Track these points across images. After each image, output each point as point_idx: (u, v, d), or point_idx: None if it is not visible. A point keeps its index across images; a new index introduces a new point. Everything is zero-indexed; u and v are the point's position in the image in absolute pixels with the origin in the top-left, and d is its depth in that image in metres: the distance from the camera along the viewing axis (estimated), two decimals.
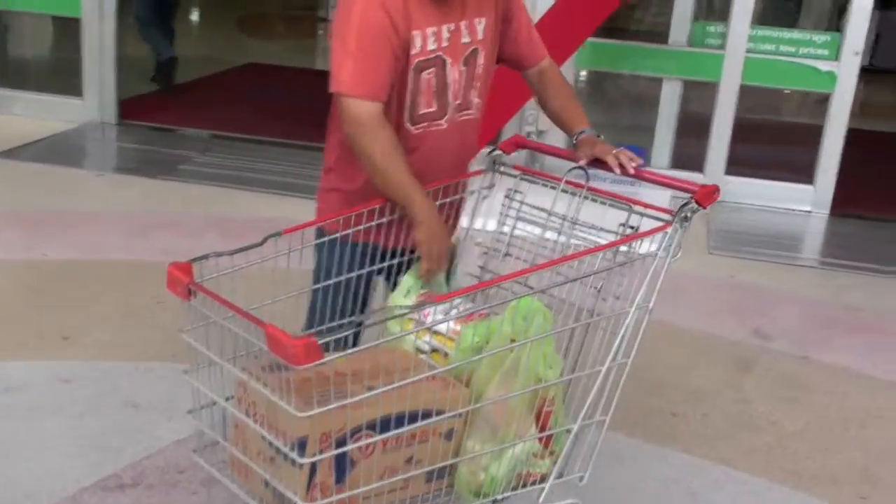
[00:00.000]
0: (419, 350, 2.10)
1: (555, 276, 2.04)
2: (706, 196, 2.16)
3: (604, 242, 2.24)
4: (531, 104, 5.64)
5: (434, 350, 2.11)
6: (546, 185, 2.39)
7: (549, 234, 2.35)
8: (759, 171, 6.02)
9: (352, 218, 2.25)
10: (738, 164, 5.98)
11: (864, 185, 6.25)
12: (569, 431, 2.12)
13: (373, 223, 2.27)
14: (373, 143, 2.15)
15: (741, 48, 5.77)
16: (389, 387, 1.78)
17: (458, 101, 2.33)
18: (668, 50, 6.09)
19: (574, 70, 5.90)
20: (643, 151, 5.66)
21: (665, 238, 2.12)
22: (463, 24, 2.26)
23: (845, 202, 5.84)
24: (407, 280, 2.27)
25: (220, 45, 10.29)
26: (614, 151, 2.32)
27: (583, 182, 2.32)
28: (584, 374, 2.10)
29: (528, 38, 2.47)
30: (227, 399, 1.98)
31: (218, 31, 11.44)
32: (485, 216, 2.50)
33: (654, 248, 2.13)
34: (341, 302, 2.30)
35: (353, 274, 2.31)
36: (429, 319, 2.10)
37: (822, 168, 5.79)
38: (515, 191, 2.46)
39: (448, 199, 2.41)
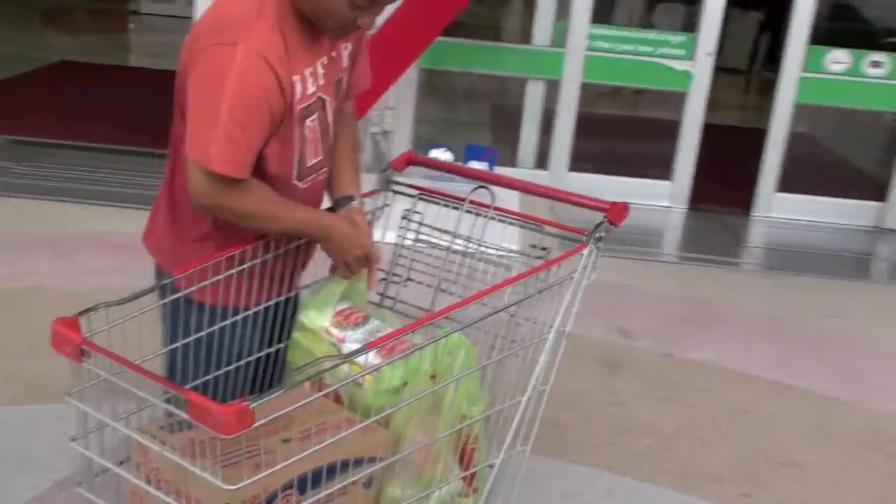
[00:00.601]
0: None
1: (482, 307, 1.92)
2: (618, 214, 2.11)
3: (511, 263, 2.18)
4: (376, 105, 5.51)
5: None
6: (448, 206, 2.28)
7: (454, 257, 2.25)
8: (616, 168, 6.12)
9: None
10: (598, 161, 6.09)
11: (719, 179, 6.42)
12: (491, 466, 2.03)
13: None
14: (244, 208, 1.90)
15: (581, 46, 5.84)
16: (321, 445, 1.63)
17: (329, 140, 2.10)
18: (512, 48, 6.12)
19: (417, 70, 5.79)
20: (494, 152, 5.66)
21: (581, 260, 2.06)
22: (334, 53, 2.02)
23: (702, 196, 6.02)
24: (317, 297, 2.11)
25: (25, 42, 9.55)
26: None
27: (487, 202, 2.23)
28: (506, 405, 2.01)
29: (360, 71, 2.20)
30: (120, 463, 1.77)
31: (21, 26, 10.63)
32: (381, 236, 2.34)
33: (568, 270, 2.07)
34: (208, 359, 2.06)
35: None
36: (345, 346, 1.96)
37: (680, 164, 5.97)
38: (413, 211, 2.34)
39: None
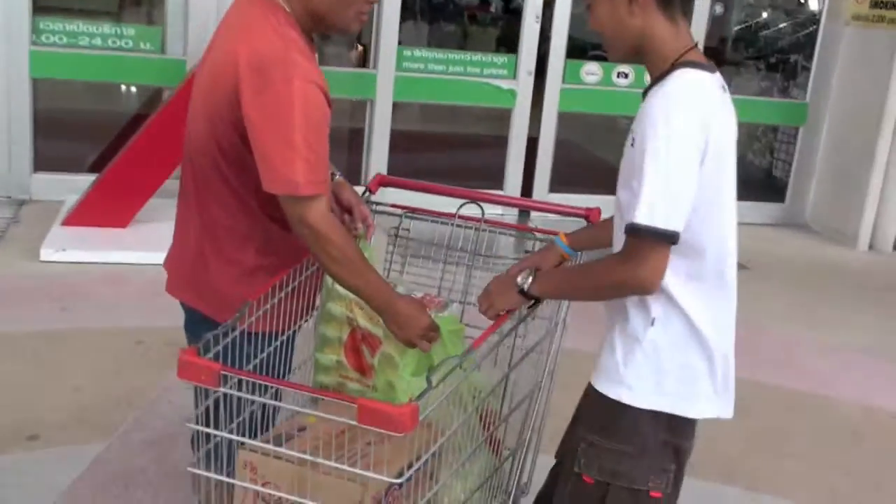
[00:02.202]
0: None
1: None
2: (596, 216, 2.43)
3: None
4: None
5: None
6: (436, 221, 2.50)
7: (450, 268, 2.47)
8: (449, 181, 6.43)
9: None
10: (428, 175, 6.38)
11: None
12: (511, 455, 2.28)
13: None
14: (340, 242, 2.00)
15: (390, 68, 6.17)
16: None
17: None
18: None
19: None
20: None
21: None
22: None
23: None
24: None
25: None
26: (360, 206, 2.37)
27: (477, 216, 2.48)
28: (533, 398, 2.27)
29: None
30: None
31: None
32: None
33: None
34: None
35: None
36: None
37: (510, 174, 6.43)
38: (403, 228, 2.53)
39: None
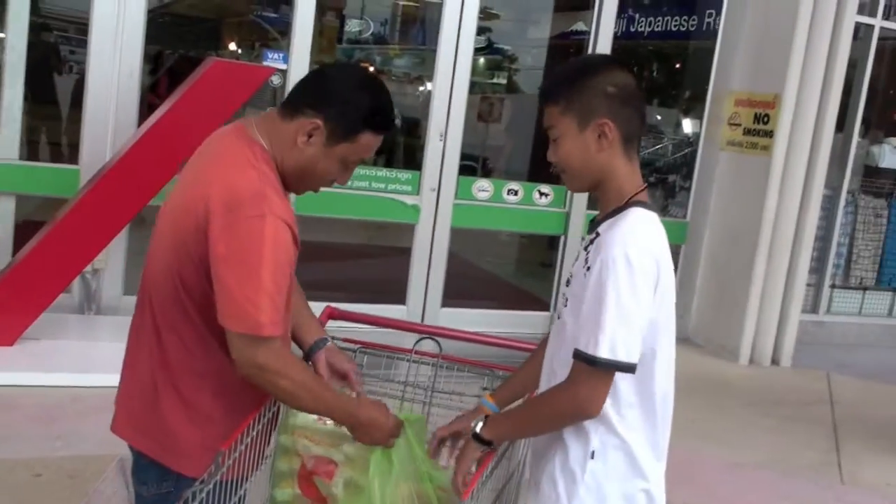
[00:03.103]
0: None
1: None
2: None
3: (465, 405, 2.42)
4: None
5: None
6: (392, 357, 2.47)
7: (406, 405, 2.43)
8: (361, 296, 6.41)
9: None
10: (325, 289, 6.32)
11: None
12: None
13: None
14: (290, 372, 1.97)
15: None
16: None
17: None
18: None
19: None
20: None
21: None
22: None
23: None
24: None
25: None
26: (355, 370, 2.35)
27: (433, 351, 2.46)
28: None
29: None
30: None
31: None
32: None
33: None
34: None
35: None
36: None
37: (413, 289, 6.42)
38: (357, 364, 2.48)
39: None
